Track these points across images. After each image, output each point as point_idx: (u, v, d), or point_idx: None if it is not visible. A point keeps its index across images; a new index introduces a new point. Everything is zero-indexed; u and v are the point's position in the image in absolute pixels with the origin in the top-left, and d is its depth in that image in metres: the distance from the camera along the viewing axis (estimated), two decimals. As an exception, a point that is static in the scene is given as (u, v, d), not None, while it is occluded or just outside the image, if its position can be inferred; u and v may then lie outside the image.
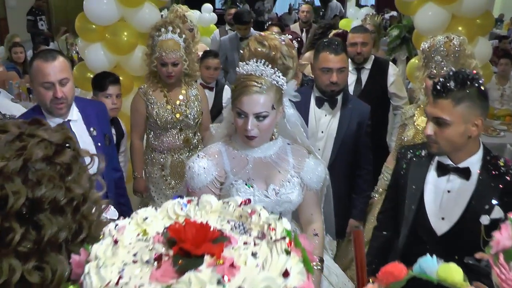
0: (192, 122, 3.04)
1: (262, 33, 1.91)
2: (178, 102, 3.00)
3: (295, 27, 7.15)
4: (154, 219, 0.86)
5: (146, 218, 0.85)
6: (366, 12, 6.35)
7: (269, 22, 5.06)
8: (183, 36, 2.94)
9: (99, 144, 2.31)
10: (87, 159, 0.99)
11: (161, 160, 3.06)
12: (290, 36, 3.65)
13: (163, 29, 2.88)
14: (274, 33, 1.95)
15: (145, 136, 3.14)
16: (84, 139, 2.24)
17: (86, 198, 0.92)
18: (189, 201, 0.90)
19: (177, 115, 2.98)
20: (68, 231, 0.88)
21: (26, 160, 0.86)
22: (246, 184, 1.81)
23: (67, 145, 0.93)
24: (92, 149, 2.25)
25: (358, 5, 12.76)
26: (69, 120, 2.23)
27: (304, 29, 6.93)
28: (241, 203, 0.87)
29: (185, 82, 3.05)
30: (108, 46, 3.35)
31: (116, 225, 0.82)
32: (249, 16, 5.36)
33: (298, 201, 1.89)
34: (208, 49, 5.01)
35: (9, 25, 8.58)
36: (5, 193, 0.82)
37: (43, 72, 2.07)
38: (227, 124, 1.95)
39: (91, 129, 2.30)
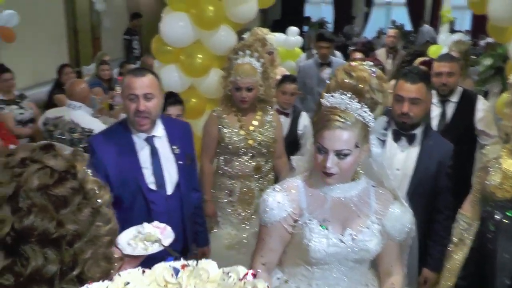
0: (264, 150, 2.94)
1: (352, 63, 1.78)
2: (251, 128, 2.92)
3: (382, 52, 6.91)
4: (139, 284, 0.72)
5: (128, 284, 0.72)
6: (458, 38, 5.97)
7: (353, 48, 4.87)
8: (261, 60, 2.87)
9: (180, 162, 2.33)
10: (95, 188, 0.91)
11: (229, 185, 2.98)
12: (371, 64, 3.51)
13: (241, 52, 2.83)
14: (362, 63, 1.80)
15: (214, 160, 3.08)
16: (166, 156, 2.30)
17: (80, 234, 0.84)
18: (183, 267, 0.76)
19: (250, 142, 2.90)
20: (60, 266, 0.82)
21: (19, 187, 0.82)
22: (320, 225, 1.69)
23: (71, 173, 0.87)
24: (173, 166, 2.32)
25: (452, 30, 12.13)
26: (153, 136, 2.29)
27: (391, 55, 6.67)
28: (243, 276, 0.73)
29: (260, 108, 2.96)
30: (182, 67, 3.36)
31: (88, 288, 0.68)
32: (332, 36, 5.24)
33: (376, 251, 1.73)
34: (288, 73, 4.94)
35: (102, 44, 9.11)
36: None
37: (130, 85, 2.18)
38: (309, 158, 1.83)
39: (174, 147, 2.34)
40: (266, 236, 1.76)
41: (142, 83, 2.17)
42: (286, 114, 3.78)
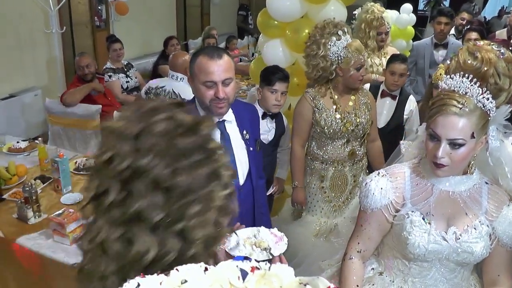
0: (360, 133, 2.75)
1: (479, 43, 1.54)
2: (347, 110, 2.72)
3: (502, 33, 6.18)
4: (198, 284, 0.59)
5: (185, 282, 0.60)
6: None
7: (467, 26, 4.37)
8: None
9: (251, 148, 2.11)
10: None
11: (321, 171, 2.82)
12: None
13: (340, 32, 2.61)
14: (491, 43, 1.53)
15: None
16: (237, 142, 2.06)
17: (192, 190, 0.82)
18: (253, 269, 0.62)
19: (347, 125, 2.70)
20: (165, 214, 0.80)
21: (144, 128, 0.83)
22: (423, 219, 1.56)
23: (196, 129, 0.87)
24: (244, 153, 2.09)
25: None
26: (223, 120, 2.04)
27: (512, 38, 5.94)
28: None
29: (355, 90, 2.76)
30: (287, 43, 3.18)
31: (138, 285, 0.59)
32: (452, 12, 4.75)
33: (482, 255, 1.55)
34: (398, 52, 4.60)
35: (210, 19, 9.22)
36: (113, 153, 0.81)
37: (206, 70, 1.90)
38: (419, 144, 1.70)
39: (244, 132, 2.10)
40: (365, 223, 1.67)
41: (220, 67, 1.89)
42: (393, 97, 3.51)
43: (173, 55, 4.17)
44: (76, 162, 3.26)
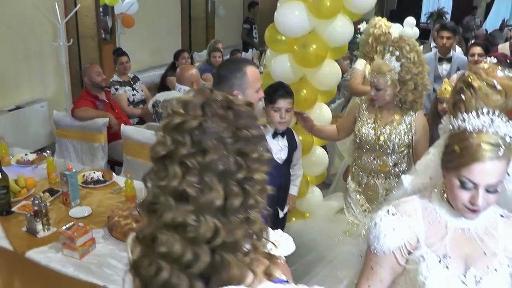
0: (391, 150, 2.76)
1: (485, 66, 1.41)
2: (385, 125, 2.76)
3: (504, 47, 6.20)
4: None
5: None
6: None
7: (473, 41, 4.41)
8: (402, 60, 2.60)
9: None
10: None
11: (359, 176, 2.93)
12: (494, 60, 3.10)
13: (386, 48, 2.66)
14: (493, 65, 1.46)
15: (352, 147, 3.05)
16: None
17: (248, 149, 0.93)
18: None
19: (378, 139, 2.76)
20: (228, 165, 0.90)
21: (202, 123, 0.90)
22: (440, 261, 1.42)
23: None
24: None
25: None
26: None
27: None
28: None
29: (401, 108, 2.73)
30: (296, 58, 3.21)
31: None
32: (455, 26, 4.78)
33: None
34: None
35: (215, 32, 9.29)
36: (187, 117, 0.90)
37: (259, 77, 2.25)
38: (434, 172, 1.52)
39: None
40: (376, 265, 1.52)
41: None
42: None
43: (181, 68, 4.21)
44: (84, 175, 3.27)
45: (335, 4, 2.95)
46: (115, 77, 5.16)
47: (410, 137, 2.75)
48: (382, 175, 2.83)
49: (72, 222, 2.54)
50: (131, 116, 5.01)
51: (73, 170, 2.98)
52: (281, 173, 2.90)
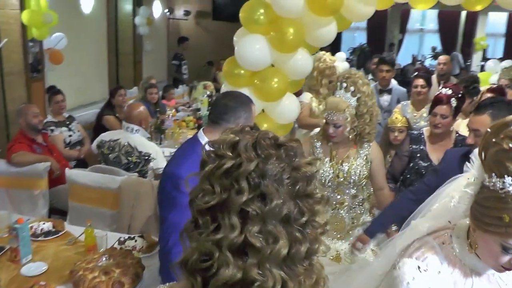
0: (351, 185, 2.75)
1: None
2: (342, 162, 2.73)
3: (433, 79, 6.69)
4: None
5: None
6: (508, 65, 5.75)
7: (416, 73, 4.66)
8: (358, 95, 2.64)
9: None
10: None
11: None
12: (450, 91, 3.25)
13: (339, 84, 2.65)
14: None
15: None
16: None
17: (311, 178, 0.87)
18: None
19: (337, 177, 2.72)
20: (290, 209, 0.83)
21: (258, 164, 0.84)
22: None
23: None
24: None
25: (484, 58, 11.90)
26: None
27: (441, 82, 6.46)
28: None
29: (356, 141, 2.74)
30: (256, 91, 3.18)
31: None
32: (393, 60, 5.06)
33: None
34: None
35: (143, 67, 9.09)
36: (240, 160, 0.83)
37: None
38: (454, 216, 1.43)
39: None
40: None
41: None
42: None
43: (129, 106, 4.02)
44: (32, 228, 2.96)
45: (298, 38, 2.98)
46: (50, 118, 4.80)
47: (368, 169, 2.77)
48: (345, 207, 2.80)
49: (33, 283, 2.27)
50: (69, 159, 4.67)
51: (25, 222, 2.69)
52: None
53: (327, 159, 2.76)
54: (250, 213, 0.80)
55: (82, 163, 4.81)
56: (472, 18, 13.22)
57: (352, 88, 2.63)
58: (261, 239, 0.80)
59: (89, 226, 2.76)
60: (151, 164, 3.82)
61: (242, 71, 3.20)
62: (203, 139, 2.23)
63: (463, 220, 1.39)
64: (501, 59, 12.21)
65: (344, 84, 2.64)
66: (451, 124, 3.11)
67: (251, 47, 3.02)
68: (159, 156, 3.91)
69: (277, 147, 0.86)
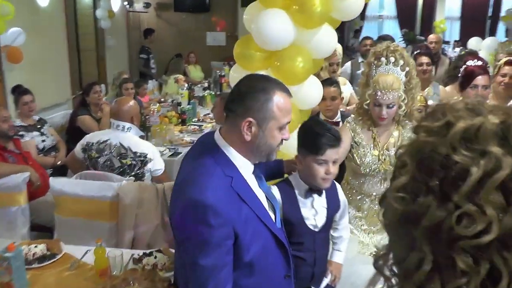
0: None
1: None
2: (387, 147, 2.43)
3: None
4: None
5: None
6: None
7: (418, 51, 4.41)
8: (407, 68, 2.36)
9: None
10: None
11: (358, 201, 2.54)
12: (479, 62, 3.06)
13: (383, 59, 2.34)
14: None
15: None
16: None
17: None
18: None
19: (383, 165, 2.40)
20: None
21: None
22: None
23: None
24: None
25: (443, 41, 12.05)
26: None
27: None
28: None
29: (398, 122, 2.47)
30: (277, 74, 2.74)
31: None
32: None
33: None
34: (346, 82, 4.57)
35: (106, 64, 8.44)
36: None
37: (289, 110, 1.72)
38: None
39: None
40: None
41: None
42: (335, 123, 3.36)
43: (117, 101, 3.51)
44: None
45: (324, 10, 2.58)
46: (18, 122, 4.19)
47: None
48: None
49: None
50: (44, 167, 4.08)
51: (17, 248, 2.18)
52: (315, 244, 2.09)
53: (369, 144, 2.45)
54: None
55: (58, 171, 4.24)
56: (430, 2, 13.35)
57: (401, 62, 2.35)
58: None
59: (99, 246, 2.28)
60: (149, 165, 3.34)
61: (258, 53, 2.78)
62: (223, 144, 1.71)
63: None
64: (458, 42, 12.52)
65: (392, 59, 2.34)
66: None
67: (272, 23, 2.59)
68: (156, 156, 3.43)
69: None
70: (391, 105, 2.33)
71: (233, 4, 9.84)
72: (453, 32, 14.95)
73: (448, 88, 4.31)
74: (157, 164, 3.40)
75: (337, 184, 2.23)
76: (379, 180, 2.46)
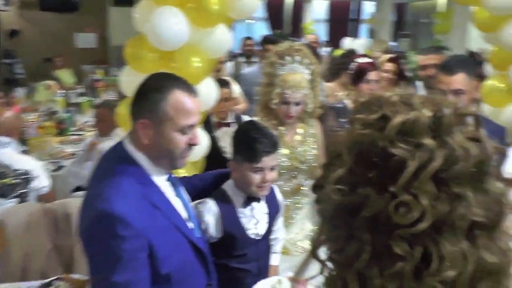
0: (307, 167, 2.47)
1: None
2: (294, 145, 2.45)
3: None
4: None
5: None
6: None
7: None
8: (310, 67, 2.43)
9: None
10: None
11: None
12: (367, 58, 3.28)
13: (288, 58, 2.37)
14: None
15: None
16: None
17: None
18: None
19: (294, 162, 2.42)
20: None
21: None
22: None
23: None
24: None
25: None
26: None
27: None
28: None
29: (302, 119, 2.50)
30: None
31: None
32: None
33: None
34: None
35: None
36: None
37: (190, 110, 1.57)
38: None
39: None
40: None
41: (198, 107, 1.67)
42: (227, 124, 3.35)
43: (-10, 114, 3.09)
44: None
45: (221, 9, 2.52)
46: None
47: (317, 147, 2.54)
48: (294, 196, 2.51)
49: None
50: None
51: None
52: (258, 252, 1.96)
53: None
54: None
55: None
56: (299, 5, 14.12)
57: (306, 61, 2.41)
58: None
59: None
60: (33, 183, 3.00)
61: (151, 53, 2.62)
62: (132, 150, 1.58)
63: None
64: (329, 42, 13.41)
65: (298, 58, 2.39)
66: None
67: (167, 22, 2.45)
68: (41, 172, 3.10)
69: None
70: (299, 103, 2.36)
71: (102, 3, 9.37)
72: (320, 33, 15.97)
73: (331, 84, 4.51)
74: (42, 181, 3.08)
75: (274, 185, 2.08)
76: (289, 178, 2.45)
